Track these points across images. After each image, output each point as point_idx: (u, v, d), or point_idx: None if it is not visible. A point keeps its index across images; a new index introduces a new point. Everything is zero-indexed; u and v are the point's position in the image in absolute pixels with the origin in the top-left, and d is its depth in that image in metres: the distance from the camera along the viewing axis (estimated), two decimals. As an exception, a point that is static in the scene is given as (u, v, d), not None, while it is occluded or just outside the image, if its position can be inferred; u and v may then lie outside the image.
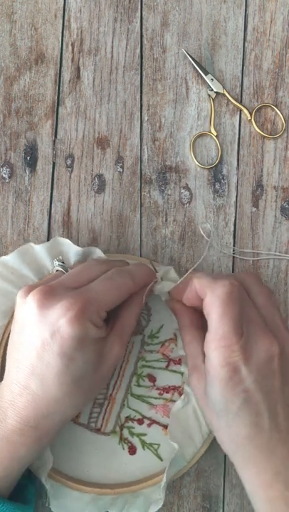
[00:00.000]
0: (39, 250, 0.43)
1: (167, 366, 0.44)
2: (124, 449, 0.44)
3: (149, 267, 0.42)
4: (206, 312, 0.37)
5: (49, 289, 0.37)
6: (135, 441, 0.44)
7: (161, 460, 0.43)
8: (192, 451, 0.43)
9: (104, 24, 0.47)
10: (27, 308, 0.37)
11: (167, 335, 0.44)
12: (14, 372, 0.37)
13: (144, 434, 0.44)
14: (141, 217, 0.46)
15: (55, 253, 0.43)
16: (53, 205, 0.46)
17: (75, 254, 0.43)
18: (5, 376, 0.38)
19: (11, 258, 0.43)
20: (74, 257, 0.43)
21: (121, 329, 0.39)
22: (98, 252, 0.43)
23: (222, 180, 0.47)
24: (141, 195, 0.47)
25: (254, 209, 0.47)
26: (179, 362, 0.44)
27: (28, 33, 0.47)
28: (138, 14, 0.47)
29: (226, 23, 0.48)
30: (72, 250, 0.43)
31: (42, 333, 0.36)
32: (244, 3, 0.48)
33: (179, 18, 0.48)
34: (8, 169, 0.46)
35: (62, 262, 0.41)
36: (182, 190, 0.47)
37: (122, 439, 0.44)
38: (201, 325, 0.40)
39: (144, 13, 0.48)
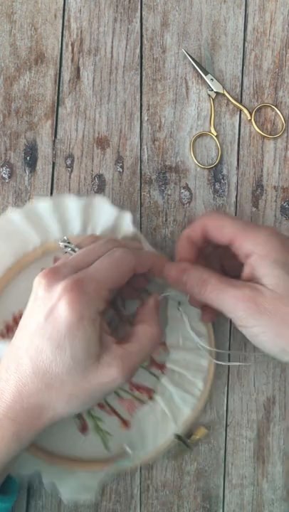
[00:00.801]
0: (73, 206, 0.42)
1: (148, 367, 0.44)
2: (76, 424, 0.43)
3: (157, 253, 0.41)
4: (227, 233, 0.38)
5: (53, 270, 0.35)
6: (90, 422, 0.43)
7: (108, 451, 0.43)
8: (142, 456, 0.43)
9: (104, 24, 0.47)
10: (33, 291, 0.36)
11: None
12: (6, 357, 0.36)
13: (101, 420, 0.44)
14: (141, 217, 0.46)
15: (88, 212, 0.42)
16: (52, 205, 0.46)
17: (108, 216, 0.42)
18: (0, 364, 0.37)
19: (44, 205, 0.42)
20: (106, 220, 0.42)
21: (130, 350, 0.36)
22: (128, 218, 0.42)
23: (222, 180, 0.47)
24: (141, 195, 0.47)
25: (254, 209, 0.47)
26: (161, 367, 0.44)
27: (28, 33, 0.47)
28: (138, 14, 0.47)
29: (225, 23, 0.48)
30: (105, 213, 0.42)
31: (39, 315, 0.34)
32: (244, 3, 0.48)
33: (179, 18, 0.48)
34: (8, 169, 0.46)
35: (68, 243, 0.40)
36: (182, 190, 0.47)
37: (78, 415, 0.43)
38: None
39: (144, 13, 0.48)
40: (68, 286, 0.34)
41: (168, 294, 0.41)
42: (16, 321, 0.42)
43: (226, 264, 0.42)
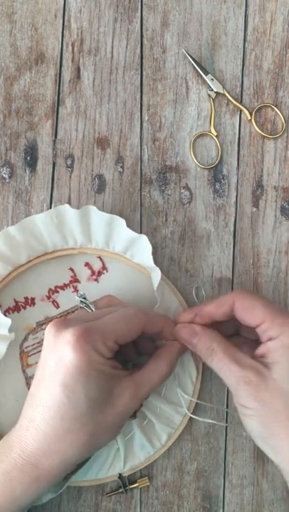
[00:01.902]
0: (71, 215, 0.42)
1: None
2: None
3: (168, 317, 0.42)
4: (245, 309, 0.38)
5: (63, 320, 0.37)
6: None
7: None
8: (74, 480, 0.43)
9: (104, 24, 0.47)
10: (45, 339, 0.37)
11: None
12: (26, 405, 0.37)
13: None
14: (141, 217, 0.46)
15: (85, 220, 0.43)
16: (53, 205, 0.46)
17: (100, 220, 0.42)
18: (22, 412, 0.38)
19: (41, 216, 0.42)
20: (100, 224, 0.43)
21: (139, 379, 0.38)
22: (122, 222, 0.42)
23: (222, 180, 0.47)
24: (141, 195, 0.47)
25: (254, 209, 0.47)
26: None
27: (28, 33, 0.47)
28: (138, 14, 0.47)
29: (226, 23, 0.48)
30: (97, 217, 0.42)
31: (49, 362, 0.36)
32: (244, 3, 0.48)
33: (179, 18, 0.48)
34: (8, 169, 0.46)
35: (84, 298, 0.41)
36: (182, 190, 0.47)
37: None
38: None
39: (144, 13, 0.48)
40: (76, 332, 0.35)
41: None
42: (16, 301, 0.44)
43: (243, 327, 0.41)
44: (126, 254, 0.44)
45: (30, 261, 0.43)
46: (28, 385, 0.44)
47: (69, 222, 0.42)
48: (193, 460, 0.45)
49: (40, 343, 0.44)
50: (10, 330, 0.41)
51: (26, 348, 0.44)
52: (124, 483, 0.44)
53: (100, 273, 0.45)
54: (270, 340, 0.37)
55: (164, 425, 0.43)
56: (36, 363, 0.43)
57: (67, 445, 0.35)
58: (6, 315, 0.42)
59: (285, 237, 0.46)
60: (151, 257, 0.42)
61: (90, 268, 0.44)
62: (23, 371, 0.44)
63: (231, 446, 0.46)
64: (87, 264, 0.44)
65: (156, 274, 0.41)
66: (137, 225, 0.46)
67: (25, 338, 0.44)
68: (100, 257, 0.44)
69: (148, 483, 0.44)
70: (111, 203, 0.46)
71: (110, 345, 0.36)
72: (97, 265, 0.44)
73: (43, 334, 0.42)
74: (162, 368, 0.39)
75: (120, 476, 0.43)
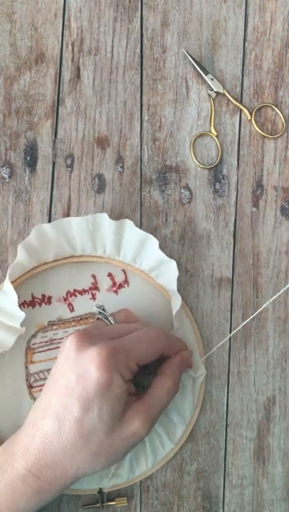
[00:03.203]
0: (106, 224, 0.43)
1: None
2: None
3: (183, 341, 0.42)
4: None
5: (86, 334, 0.37)
6: None
7: None
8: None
9: (104, 24, 0.47)
10: (64, 350, 0.37)
11: None
12: (33, 413, 0.37)
13: None
14: (141, 217, 0.46)
15: (119, 232, 0.43)
16: (53, 205, 0.46)
17: (134, 235, 0.43)
18: (26, 420, 0.38)
19: (78, 220, 0.43)
20: (132, 239, 0.43)
21: (148, 401, 0.38)
22: (155, 242, 0.42)
23: (222, 180, 0.47)
24: (141, 195, 0.46)
25: (254, 209, 0.47)
26: None
27: (28, 32, 0.47)
28: (138, 14, 0.47)
29: (226, 22, 0.48)
30: (132, 232, 0.43)
31: (69, 375, 0.36)
32: (244, 3, 0.48)
33: (179, 18, 0.47)
34: (8, 169, 0.46)
35: (103, 309, 0.41)
36: (182, 190, 0.47)
37: None
38: None
39: (144, 12, 0.47)
40: (103, 351, 0.35)
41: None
42: (33, 296, 0.44)
43: None
44: (151, 274, 0.44)
45: (56, 260, 0.43)
46: (28, 381, 0.44)
47: (103, 230, 0.43)
48: (193, 460, 0.45)
49: (48, 342, 0.44)
50: (22, 324, 0.41)
51: (34, 344, 0.44)
52: (103, 498, 0.43)
53: (120, 286, 0.45)
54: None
55: (154, 449, 0.43)
56: (40, 361, 0.44)
57: (69, 460, 0.35)
58: (20, 308, 0.42)
59: (285, 237, 0.46)
60: (176, 282, 0.42)
61: (112, 279, 0.45)
62: (26, 367, 0.44)
63: (231, 447, 0.46)
64: (110, 275, 0.45)
65: (177, 301, 0.42)
66: (137, 225, 0.46)
67: (34, 335, 0.44)
68: (124, 270, 0.44)
69: (126, 504, 0.44)
70: (111, 203, 0.46)
71: (132, 367, 0.36)
72: (119, 277, 0.45)
73: (53, 334, 0.42)
74: (168, 385, 0.39)
75: (100, 490, 0.43)
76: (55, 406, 0.35)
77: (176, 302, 0.42)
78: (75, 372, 0.35)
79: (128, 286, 0.45)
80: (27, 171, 0.46)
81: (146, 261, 0.43)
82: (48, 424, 0.35)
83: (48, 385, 0.37)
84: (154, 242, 0.43)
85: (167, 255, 0.44)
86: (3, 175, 0.46)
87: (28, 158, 0.46)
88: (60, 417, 0.35)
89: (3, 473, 0.36)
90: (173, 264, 0.43)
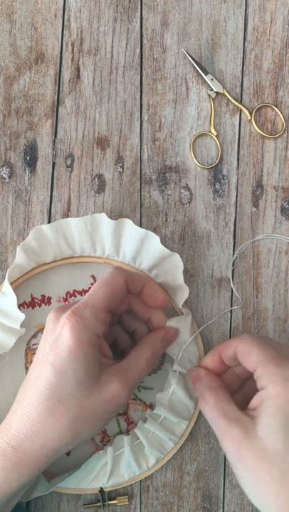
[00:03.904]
0: (105, 224, 0.43)
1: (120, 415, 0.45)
2: None
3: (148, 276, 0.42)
4: (244, 355, 0.37)
5: (60, 307, 0.38)
6: None
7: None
8: (57, 485, 0.43)
9: (104, 24, 0.47)
10: (45, 327, 0.38)
11: None
12: (20, 389, 0.37)
13: None
14: (141, 217, 0.46)
15: (118, 232, 0.43)
16: (52, 205, 0.46)
17: (133, 234, 0.43)
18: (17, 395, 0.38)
19: (76, 221, 0.43)
20: (131, 239, 0.43)
21: (125, 366, 0.38)
22: (156, 239, 0.42)
23: (222, 180, 0.47)
24: (141, 195, 0.46)
25: (254, 209, 0.47)
26: (129, 423, 0.45)
27: (28, 32, 0.47)
28: (138, 14, 0.47)
29: (226, 22, 0.48)
30: (131, 231, 0.43)
31: (44, 344, 0.36)
32: (244, 3, 0.48)
33: (179, 18, 0.47)
34: (8, 169, 0.46)
35: None
36: (182, 190, 0.47)
37: None
38: (226, 388, 0.39)
39: (144, 12, 0.47)
40: (68, 314, 0.35)
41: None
42: (33, 297, 0.44)
43: (246, 384, 0.41)
44: (151, 273, 0.44)
45: (55, 261, 0.44)
46: None
47: (102, 231, 0.43)
48: (193, 460, 0.45)
49: None
50: (21, 325, 0.41)
51: (34, 345, 0.44)
52: (104, 498, 0.43)
53: None
54: (262, 389, 0.35)
55: (154, 449, 0.43)
56: None
57: (48, 428, 0.35)
58: (20, 309, 0.42)
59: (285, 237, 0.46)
60: (182, 275, 0.42)
61: None
62: (26, 368, 0.44)
63: (231, 446, 0.46)
64: None
65: (185, 292, 0.42)
66: (137, 225, 0.46)
67: (34, 336, 0.44)
68: None
69: (127, 502, 0.44)
70: (111, 203, 0.46)
71: (102, 317, 0.36)
72: None
73: None
74: (147, 352, 0.39)
75: (101, 490, 0.43)
76: (35, 376, 0.36)
77: (184, 294, 0.42)
78: (49, 342, 0.36)
79: None
80: (27, 171, 0.46)
81: (147, 260, 0.43)
82: (27, 396, 0.36)
83: (33, 360, 0.38)
84: (154, 238, 0.42)
85: (165, 248, 0.44)
86: (3, 175, 0.46)
87: (28, 158, 0.46)
88: (38, 386, 0.35)
89: None
90: (176, 257, 0.42)
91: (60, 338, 0.35)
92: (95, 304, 0.36)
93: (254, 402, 0.35)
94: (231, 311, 0.46)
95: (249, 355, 0.36)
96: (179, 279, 0.43)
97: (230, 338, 0.46)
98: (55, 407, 0.35)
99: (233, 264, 0.46)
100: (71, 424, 0.35)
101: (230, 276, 0.46)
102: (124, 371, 0.37)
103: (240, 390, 0.40)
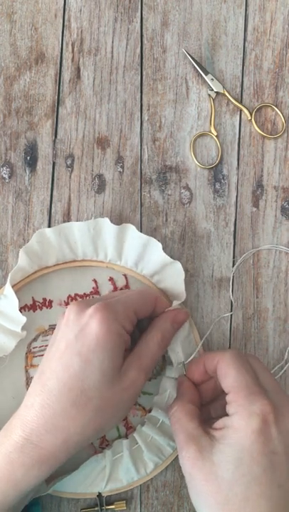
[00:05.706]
0: (108, 229, 0.43)
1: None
2: None
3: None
4: (221, 374, 0.37)
5: (84, 300, 0.38)
6: None
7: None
8: (56, 487, 0.43)
9: (104, 24, 0.47)
10: (64, 317, 0.37)
11: None
12: (33, 384, 0.36)
13: None
14: (141, 217, 0.46)
15: (120, 237, 0.43)
16: (53, 205, 0.46)
17: (136, 240, 0.43)
18: (26, 393, 0.37)
19: (79, 225, 0.43)
20: (134, 244, 0.43)
21: (138, 351, 0.38)
22: (158, 246, 0.43)
23: (222, 180, 0.47)
24: (141, 195, 0.46)
25: (254, 209, 0.47)
26: (129, 428, 0.45)
27: (28, 32, 0.47)
28: (138, 14, 0.47)
29: (226, 22, 0.48)
30: (134, 237, 0.43)
31: (69, 336, 0.35)
32: (244, 3, 0.48)
33: (179, 18, 0.47)
34: (8, 169, 0.46)
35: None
36: (182, 190, 0.47)
37: None
38: (198, 404, 0.39)
39: (144, 13, 0.47)
40: (99, 306, 0.35)
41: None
42: (34, 300, 0.44)
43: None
44: (152, 279, 0.44)
45: (57, 264, 0.44)
46: (28, 385, 0.44)
47: (105, 235, 0.43)
48: (194, 460, 0.45)
49: None
50: (22, 328, 0.41)
51: (34, 348, 0.44)
52: (102, 502, 0.43)
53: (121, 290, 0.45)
54: (228, 415, 0.35)
55: (153, 455, 0.43)
56: None
57: (71, 421, 0.34)
58: (21, 312, 0.42)
59: (285, 237, 0.46)
60: (183, 283, 0.42)
61: (114, 284, 0.44)
62: (26, 370, 0.44)
63: (231, 447, 0.46)
64: (111, 279, 0.44)
65: (182, 297, 0.43)
66: (137, 225, 0.46)
67: (35, 339, 0.44)
68: (125, 275, 0.44)
69: (124, 508, 0.44)
70: (111, 203, 0.46)
71: (131, 317, 0.37)
72: (120, 282, 0.45)
73: None
74: (157, 335, 0.39)
75: (99, 494, 0.43)
76: (55, 367, 0.35)
77: (181, 298, 0.42)
78: (75, 332, 0.35)
79: None
80: (27, 171, 0.46)
81: (148, 266, 0.43)
82: (47, 388, 0.35)
83: (48, 354, 0.37)
84: (156, 245, 0.43)
85: (167, 255, 0.44)
86: (3, 175, 0.46)
87: (28, 158, 0.46)
88: (59, 377, 0.34)
89: (1, 445, 0.34)
90: (178, 265, 0.43)
91: (87, 327, 0.35)
92: (127, 302, 0.37)
93: (219, 424, 0.35)
94: (231, 311, 0.46)
95: (225, 377, 0.36)
96: (181, 286, 0.43)
97: (230, 338, 0.46)
98: (78, 398, 0.34)
99: (233, 264, 0.46)
100: (94, 416, 0.34)
101: (231, 284, 0.46)
102: (137, 358, 0.37)
103: (219, 400, 0.40)
